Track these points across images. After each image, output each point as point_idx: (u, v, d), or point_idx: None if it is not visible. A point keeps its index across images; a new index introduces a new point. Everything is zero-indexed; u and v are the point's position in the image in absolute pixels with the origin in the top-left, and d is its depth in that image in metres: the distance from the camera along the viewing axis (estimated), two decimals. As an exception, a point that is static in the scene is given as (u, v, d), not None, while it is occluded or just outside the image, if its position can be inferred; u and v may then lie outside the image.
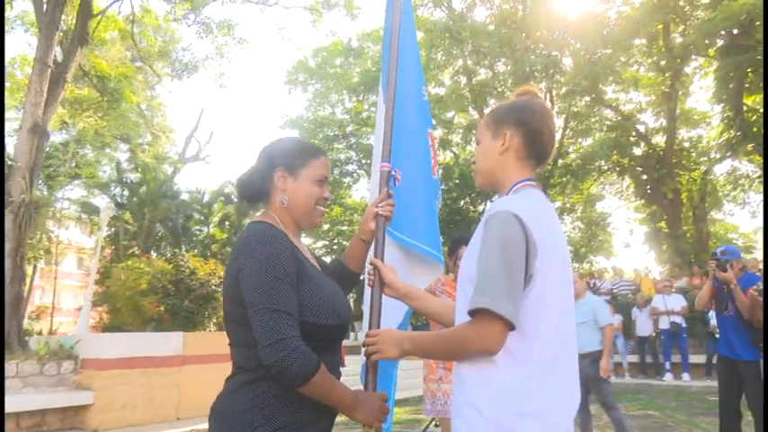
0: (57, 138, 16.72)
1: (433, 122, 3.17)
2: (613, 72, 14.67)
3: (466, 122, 19.42)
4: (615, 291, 12.69)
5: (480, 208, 24.90)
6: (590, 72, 14.32)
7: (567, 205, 24.52)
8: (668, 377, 10.45)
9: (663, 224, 20.14)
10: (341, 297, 1.59)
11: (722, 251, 4.41)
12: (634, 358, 11.29)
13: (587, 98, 17.94)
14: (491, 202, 22.92)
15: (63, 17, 9.37)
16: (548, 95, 17.22)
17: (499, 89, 16.19)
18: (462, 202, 23.15)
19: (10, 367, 6.87)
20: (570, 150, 20.27)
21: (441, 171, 3.35)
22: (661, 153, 19.02)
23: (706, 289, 4.55)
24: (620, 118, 19.20)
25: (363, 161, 24.38)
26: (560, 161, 17.84)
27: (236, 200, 22.01)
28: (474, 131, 20.15)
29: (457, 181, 22.31)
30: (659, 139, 19.79)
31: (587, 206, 24.06)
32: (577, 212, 24.84)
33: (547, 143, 1.51)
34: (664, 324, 10.57)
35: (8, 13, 11.64)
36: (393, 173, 2.29)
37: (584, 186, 22.03)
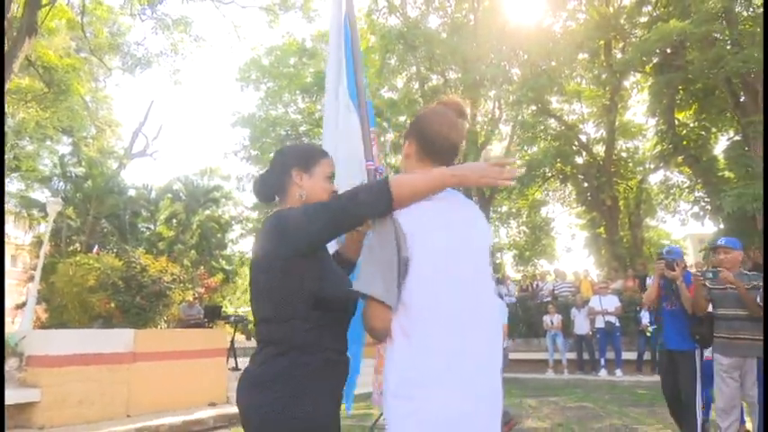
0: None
1: (377, 122, 3.39)
2: (557, 84, 15.40)
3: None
4: (557, 292, 13.34)
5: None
6: (535, 83, 14.99)
7: (513, 210, 25.43)
8: (603, 373, 11.11)
9: (602, 230, 21.19)
10: (347, 277, 1.82)
11: (668, 251, 4.85)
12: (572, 355, 11.93)
13: (534, 107, 18.70)
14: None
15: (12, 6, 9.07)
16: (496, 104, 17.86)
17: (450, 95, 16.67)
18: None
19: (-51, 365, 6.64)
20: (517, 157, 21.07)
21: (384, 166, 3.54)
22: (601, 162, 20.02)
23: (654, 287, 4.93)
24: (563, 128, 20.09)
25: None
26: (507, 167, 18.48)
27: (184, 197, 21.66)
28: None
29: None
30: (599, 149, 20.83)
31: (532, 211, 25.00)
32: (523, 217, 25.77)
33: (440, 144, 1.73)
34: (599, 323, 11.23)
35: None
36: (377, 170, 2.45)
37: (529, 192, 22.89)
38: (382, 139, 23.22)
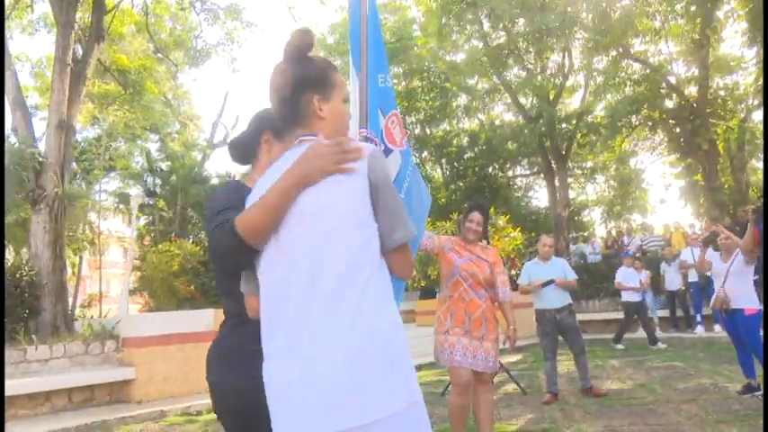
0: (90, 133, 17.43)
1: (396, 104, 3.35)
2: (630, 24, 14.15)
3: (489, 87, 19.13)
4: (645, 247, 12.53)
5: (510, 173, 24.68)
6: (609, 27, 13.86)
7: (599, 164, 24.01)
8: (699, 330, 10.34)
9: (699, 177, 19.53)
10: None
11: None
12: (665, 313, 11.19)
13: (614, 52, 17.37)
14: (520, 166, 22.60)
15: (79, 15, 9.71)
16: (565, 54, 16.80)
17: (515, 52, 15.87)
18: (490, 168, 22.99)
19: (58, 348, 7.42)
20: (599, 108, 19.75)
21: (409, 141, 3.54)
22: (694, 104, 18.33)
23: (750, 234, 4.60)
24: (648, 71, 18.54)
25: (388, 134, 24.41)
26: (584, 120, 17.35)
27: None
28: (499, 95, 19.89)
29: (483, 147, 22.14)
30: (691, 90, 19.06)
31: (620, 164, 23.48)
32: (610, 171, 24.29)
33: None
34: (693, 277, 10.41)
35: (31, 16, 12.11)
36: (370, 137, 2.42)
37: (614, 144, 21.47)
38: (455, 103, 22.73)
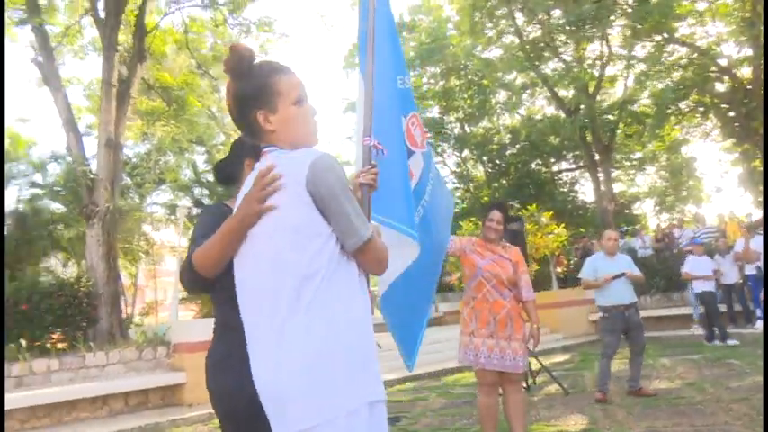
0: (141, 148, 18.20)
1: (416, 105, 3.30)
2: (670, 8, 13.59)
3: (526, 81, 18.82)
4: (698, 239, 12.01)
5: (554, 168, 24.16)
6: (648, 11, 13.38)
7: (648, 154, 23.17)
8: (760, 324, 9.83)
9: (757, 162, 18.55)
10: None
11: None
12: (722, 308, 10.69)
13: (658, 37, 16.73)
14: (565, 161, 22.06)
15: (123, 38, 10.19)
16: (602, 43, 16.32)
17: (551, 44, 15.53)
18: (533, 164, 22.59)
19: (114, 355, 7.82)
20: (643, 96, 19.07)
21: (429, 144, 3.47)
22: (748, 86, 17.44)
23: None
24: (695, 54, 17.77)
25: (427, 135, 24.33)
26: (627, 109, 16.74)
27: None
28: (538, 89, 19.50)
29: (525, 143, 21.79)
30: (744, 71, 18.13)
31: (671, 153, 22.59)
32: (660, 161, 23.40)
33: None
34: (750, 269, 9.92)
35: (81, 41, 12.82)
36: (375, 144, 2.43)
37: (663, 133, 20.67)
38: (494, 100, 22.46)
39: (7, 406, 6.61)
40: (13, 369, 7.19)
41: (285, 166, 1.41)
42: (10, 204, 13.45)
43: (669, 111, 18.04)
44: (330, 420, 1.27)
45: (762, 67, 16.88)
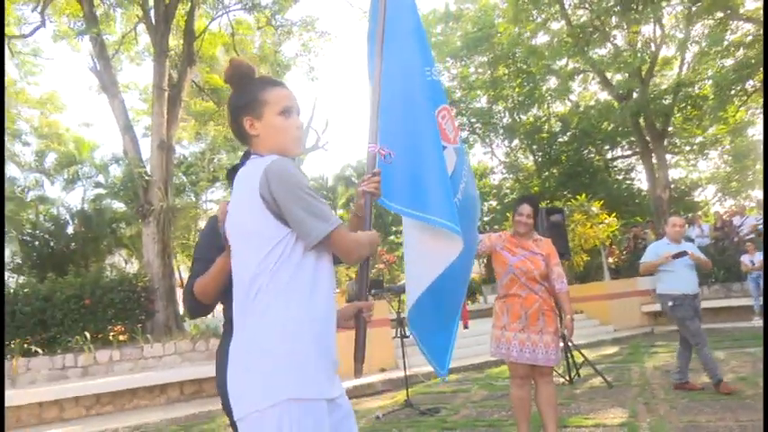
0: (195, 148, 18.94)
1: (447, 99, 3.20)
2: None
3: (576, 68, 18.26)
4: (761, 227, 11.40)
5: (608, 156, 23.39)
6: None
7: (710, 138, 22.02)
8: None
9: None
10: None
11: None
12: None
13: (720, 14, 15.84)
14: (620, 148, 21.20)
15: (174, 43, 10.63)
16: (655, 25, 15.60)
17: (600, 28, 14.98)
18: (585, 151, 21.95)
19: (170, 346, 8.27)
20: (704, 77, 18.10)
21: (462, 137, 3.32)
22: (820, 62, 16.25)
23: None
24: (761, 31, 16.69)
25: (476, 125, 24.06)
26: (683, 92, 15.92)
27: (356, 182, 23.22)
28: (590, 75, 18.86)
29: (576, 130, 21.19)
30: (816, 46, 16.88)
31: (735, 136, 21.38)
32: (724, 144, 22.20)
33: None
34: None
35: (137, 47, 13.48)
36: (380, 150, 2.44)
37: (727, 115, 19.58)
38: (544, 87, 21.91)
39: (74, 394, 7.15)
40: (78, 359, 7.74)
41: (246, 174, 1.54)
42: (76, 204, 14.37)
43: (732, 92, 17.08)
44: (247, 415, 1.40)
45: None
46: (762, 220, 11.42)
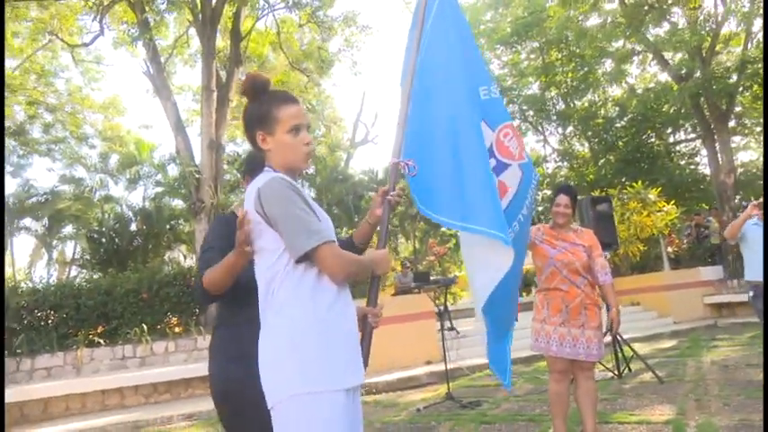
0: (248, 145, 19.46)
1: (510, 115, 3.14)
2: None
3: (630, 49, 17.46)
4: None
5: (671, 139, 22.27)
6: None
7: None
8: None
9: None
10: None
11: None
12: None
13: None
14: (683, 131, 20.02)
15: (223, 44, 10.94)
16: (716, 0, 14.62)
17: (656, 6, 14.19)
18: (645, 136, 20.98)
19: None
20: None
21: (528, 153, 3.17)
22: None
23: None
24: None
25: (527, 113, 23.47)
26: (752, 68, 14.81)
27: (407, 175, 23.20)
28: (651, 55, 17.91)
29: (635, 115, 20.28)
30: None
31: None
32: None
33: None
34: None
35: (190, 50, 13.97)
36: (406, 163, 2.43)
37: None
38: (600, 70, 21.06)
39: (134, 383, 7.55)
40: (137, 350, 8.18)
41: (252, 188, 1.67)
42: (138, 203, 15.11)
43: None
44: (273, 405, 1.55)
45: None
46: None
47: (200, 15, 10.37)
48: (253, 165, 2.07)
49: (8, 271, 23.51)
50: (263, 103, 1.71)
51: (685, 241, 12.76)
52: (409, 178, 2.44)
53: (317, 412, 1.50)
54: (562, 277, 3.66)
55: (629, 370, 6.51)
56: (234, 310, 1.98)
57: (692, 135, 21.17)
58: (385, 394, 7.18)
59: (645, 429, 4.18)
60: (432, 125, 2.66)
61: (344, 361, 1.60)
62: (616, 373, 6.27)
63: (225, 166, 15.60)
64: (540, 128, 24.30)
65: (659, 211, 12.10)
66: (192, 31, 13.33)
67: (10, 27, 13.68)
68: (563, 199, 3.79)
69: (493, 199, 2.57)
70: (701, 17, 13.89)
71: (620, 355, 6.35)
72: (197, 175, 9.48)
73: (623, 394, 5.47)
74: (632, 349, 6.49)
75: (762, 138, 20.94)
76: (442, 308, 8.60)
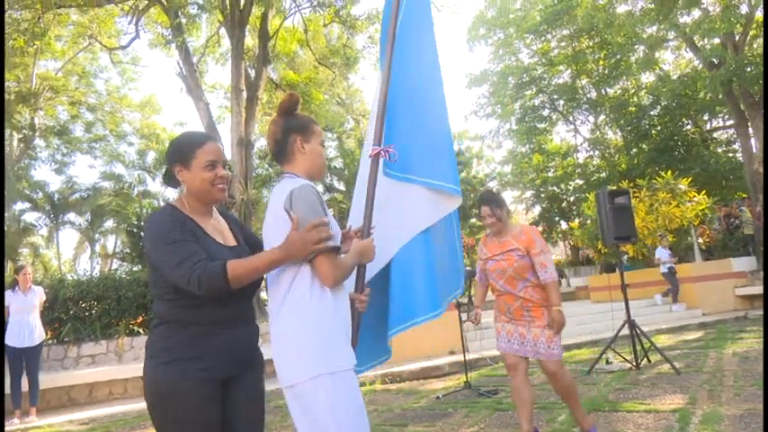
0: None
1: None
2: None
3: (661, 36, 17.08)
4: None
5: (707, 126, 21.71)
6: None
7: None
8: None
9: None
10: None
11: None
12: None
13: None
14: (721, 118, 19.53)
15: (252, 43, 11.26)
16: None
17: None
18: (679, 123, 20.51)
19: (253, 328, 8.96)
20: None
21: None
22: None
23: None
24: None
25: (557, 102, 23.22)
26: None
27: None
28: (683, 42, 17.51)
29: (668, 102, 19.85)
30: None
31: None
32: None
33: None
34: None
35: (221, 49, 14.41)
36: (385, 150, 2.58)
37: None
38: (633, 57, 20.65)
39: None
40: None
41: (280, 190, 1.88)
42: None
43: None
44: (287, 387, 1.78)
45: None
46: None
47: (230, 17, 10.73)
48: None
49: (54, 264, 24.70)
50: (300, 117, 2.02)
51: (716, 232, 12.54)
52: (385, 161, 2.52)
53: (341, 389, 1.75)
54: (499, 287, 3.70)
55: (649, 361, 6.57)
56: (202, 310, 1.76)
57: (730, 122, 20.61)
58: (408, 383, 7.41)
59: (652, 417, 4.30)
60: (400, 105, 2.70)
61: (348, 343, 1.87)
62: (634, 364, 6.35)
63: (256, 161, 16.07)
64: (570, 117, 24.01)
65: (689, 201, 11.93)
66: (223, 30, 13.77)
67: (53, 31, 14.37)
68: (484, 210, 3.72)
69: (450, 156, 2.72)
70: (734, 2, 13.49)
71: (637, 346, 6.42)
72: (228, 172, 9.83)
73: (638, 384, 5.56)
74: (649, 340, 6.54)
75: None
76: (466, 299, 8.74)
